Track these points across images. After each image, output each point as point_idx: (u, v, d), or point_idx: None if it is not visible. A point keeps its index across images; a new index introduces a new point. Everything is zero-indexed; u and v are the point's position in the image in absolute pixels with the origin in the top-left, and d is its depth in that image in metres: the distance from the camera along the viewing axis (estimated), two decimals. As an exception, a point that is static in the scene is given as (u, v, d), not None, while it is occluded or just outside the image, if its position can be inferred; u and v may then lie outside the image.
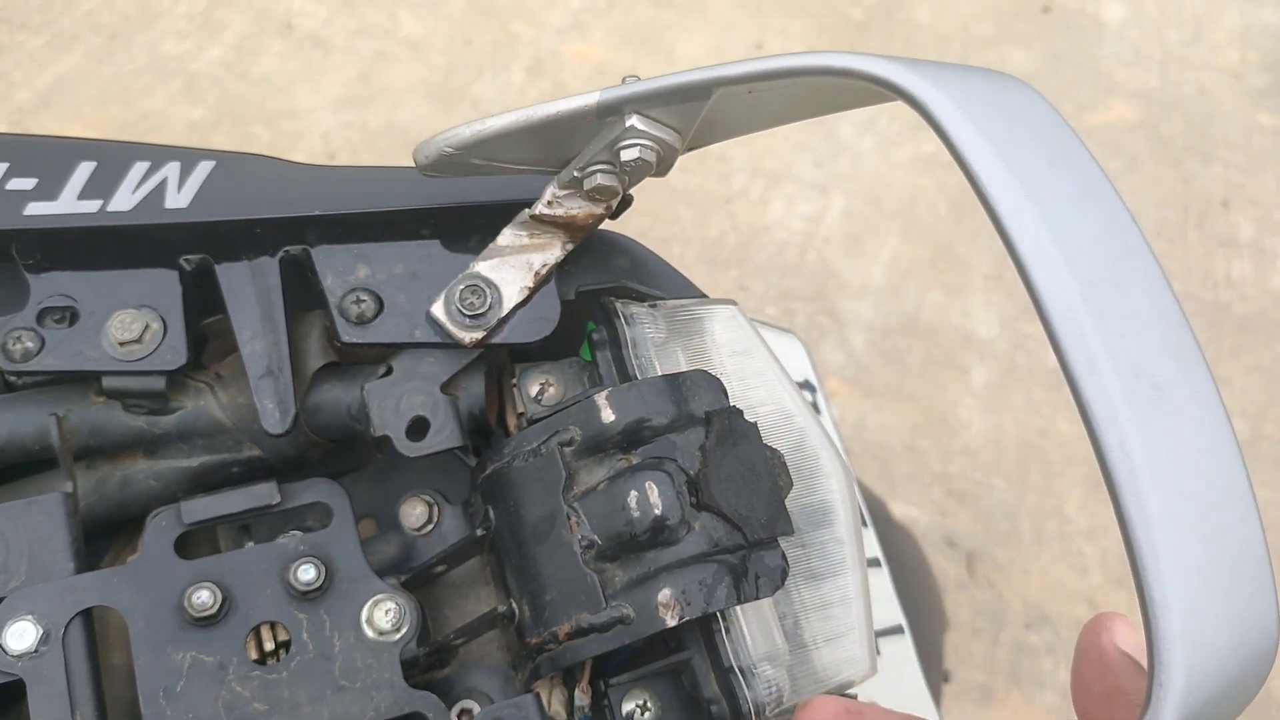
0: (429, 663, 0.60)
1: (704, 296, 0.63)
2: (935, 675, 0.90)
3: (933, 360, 2.44)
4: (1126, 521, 0.40)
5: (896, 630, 0.80)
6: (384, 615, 0.57)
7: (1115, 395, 0.41)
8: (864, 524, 0.87)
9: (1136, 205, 2.69)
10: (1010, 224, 0.43)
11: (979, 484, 2.32)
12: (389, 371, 0.59)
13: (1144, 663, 0.46)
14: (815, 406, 0.91)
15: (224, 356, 0.63)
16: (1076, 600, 2.20)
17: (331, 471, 0.63)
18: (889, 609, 0.81)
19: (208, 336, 0.63)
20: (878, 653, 0.59)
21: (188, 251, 0.59)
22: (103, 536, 0.64)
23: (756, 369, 0.60)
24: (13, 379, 0.59)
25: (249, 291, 0.59)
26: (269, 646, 0.57)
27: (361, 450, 0.66)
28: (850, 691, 0.56)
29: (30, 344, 0.57)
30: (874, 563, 0.84)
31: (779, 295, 2.47)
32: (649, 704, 0.55)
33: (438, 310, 0.58)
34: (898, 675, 0.78)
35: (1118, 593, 2.20)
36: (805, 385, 0.91)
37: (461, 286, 0.58)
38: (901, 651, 0.80)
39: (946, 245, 2.58)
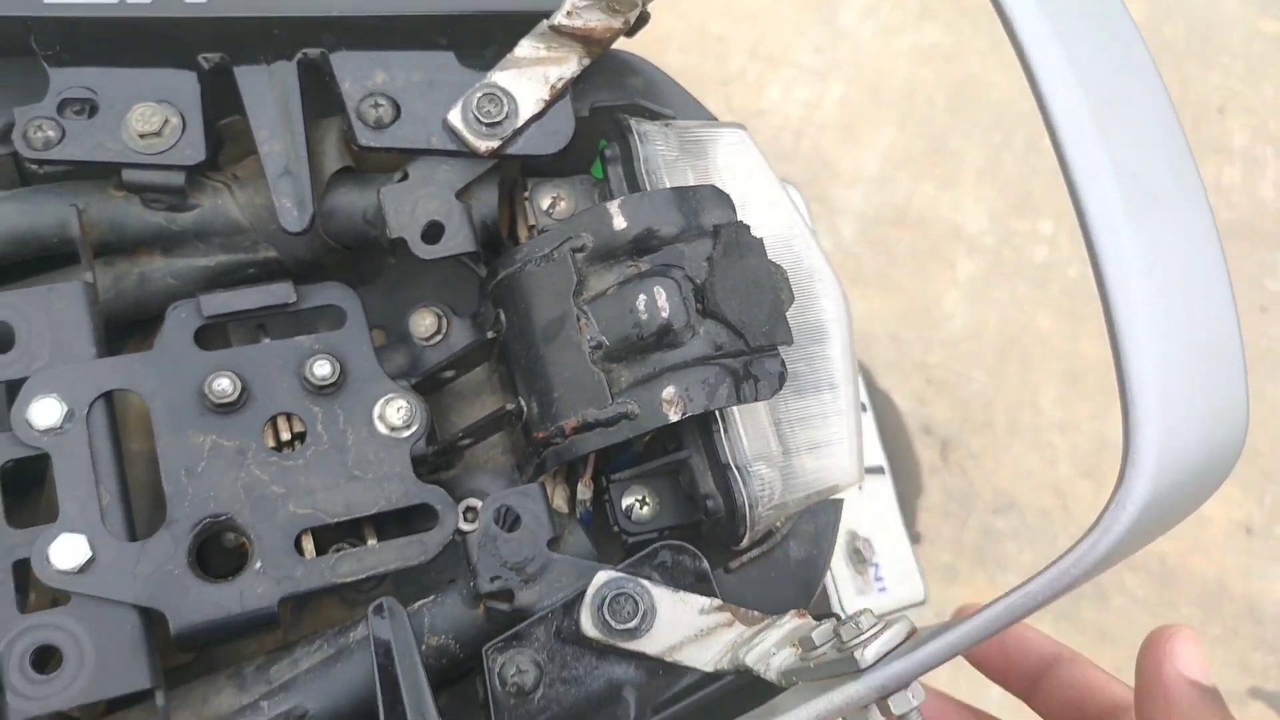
0: (436, 463, 0.63)
1: (714, 119, 0.64)
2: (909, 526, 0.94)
3: (920, 252, 2.45)
4: (1112, 313, 0.43)
5: (879, 470, 0.83)
6: (395, 412, 0.60)
7: (1113, 200, 0.43)
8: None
9: (1133, 105, 2.68)
10: (1024, 35, 0.45)
11: (958, 374, 2.36)
12: (405, 177, 0.60)
13: (1207, 681, 0.47)
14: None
15: (240, 159, 0.64)
16: (1045, 490, 2.26)
17: (344, 282, 0.64)
18: (873, 450, 0.84)
19: (224, 138, 0.63)
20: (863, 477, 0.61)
21: (206, 50, 0.60)
22: (119, 336, 0.66)
23: (762, 191, 0.61)
24: (33, 168, 0.59)
25: (267, 92, 0.60)
26: (285, 437, 0.59)
27: (373, 263, 0.67)
28: (836, 497, 0.59)
29: (51, 133, 0.58)
30: (861, 406, 0.87)
31: (771, 179, 2.47)
32: (647, 499, 0.58)
33: (454, 118, 0.59)
34: (880, 511, 0.82)
35: (1084, 484, 2.26)
36: (802, 235, 0.93)
37: (479, 95, 0.59)
38: (884, 490, 0.83)
39: (942, 138, 2.57)
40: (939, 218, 2.51)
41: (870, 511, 0.80)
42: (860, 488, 0.60)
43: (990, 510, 2.21)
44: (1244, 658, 2.12)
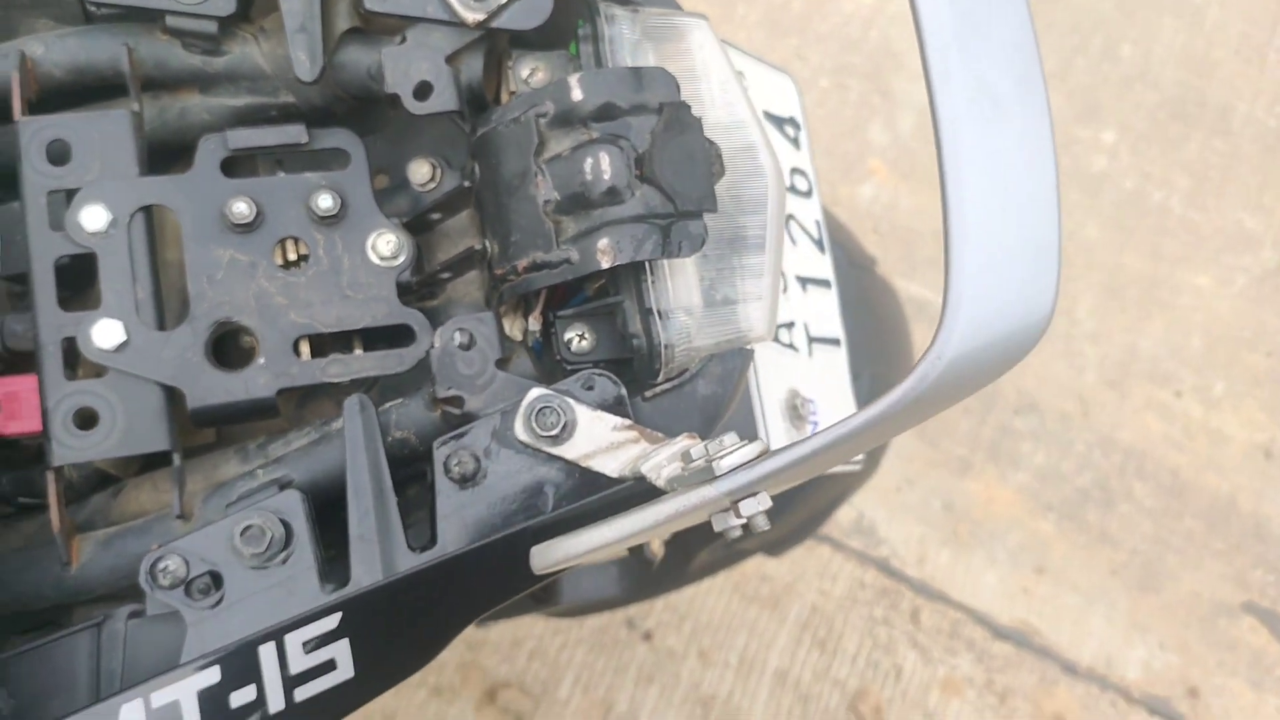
0: (421, 292, 0.74)
1: (678, 7, 0.72)
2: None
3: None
4: (946, 197, 0.51)
5: (834, 342, 0.92)
6: (385, 244, 0.70)
7: (959, 100, 0.51)
8: (822, 250, 0.98)
9: (1220, 17, 2.62)
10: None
11: (997, 276, 2.39)
12: (404, 40, 0.69)
13: None
14: (796, 143, 1.01)
15: (269, 13, 0.73)
16: (1068, 395, 2.31)
17: (355, 130, 0.74)
18: (832, 323, 0.93)
19: (257, -6, 0.73)
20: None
21: (243, -86, 0.69)
22: (162, 161, 0.77)
23: (717, 77, 0.69)
24: (91, 9, 0.70)
25: (290, -42, 0.69)
26: (291, 257, 0.70)
27: (380, 115, 0.77)
28: (748, 348, 0.68)
29: (106, -20, 0.68)
30: (825, 283, 0.96)
31: (835, 69, 2.49)
32: (586, 334, 0.68)
33: (449, -10, 0.68)
34: (832, 380, 0.91)
35: (1109, 393, 2.31)
36: (790, 121, 1.00)
37: (470, -29, 0.67)
38: (837, 360, 0.92)
39: (1010, 36, 2.54)
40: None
41: (820, 379, 0.89)
42: (771, 336, 0.69)
43: (1011, 410, 2.28)
44: (1243, 573, 2.19)
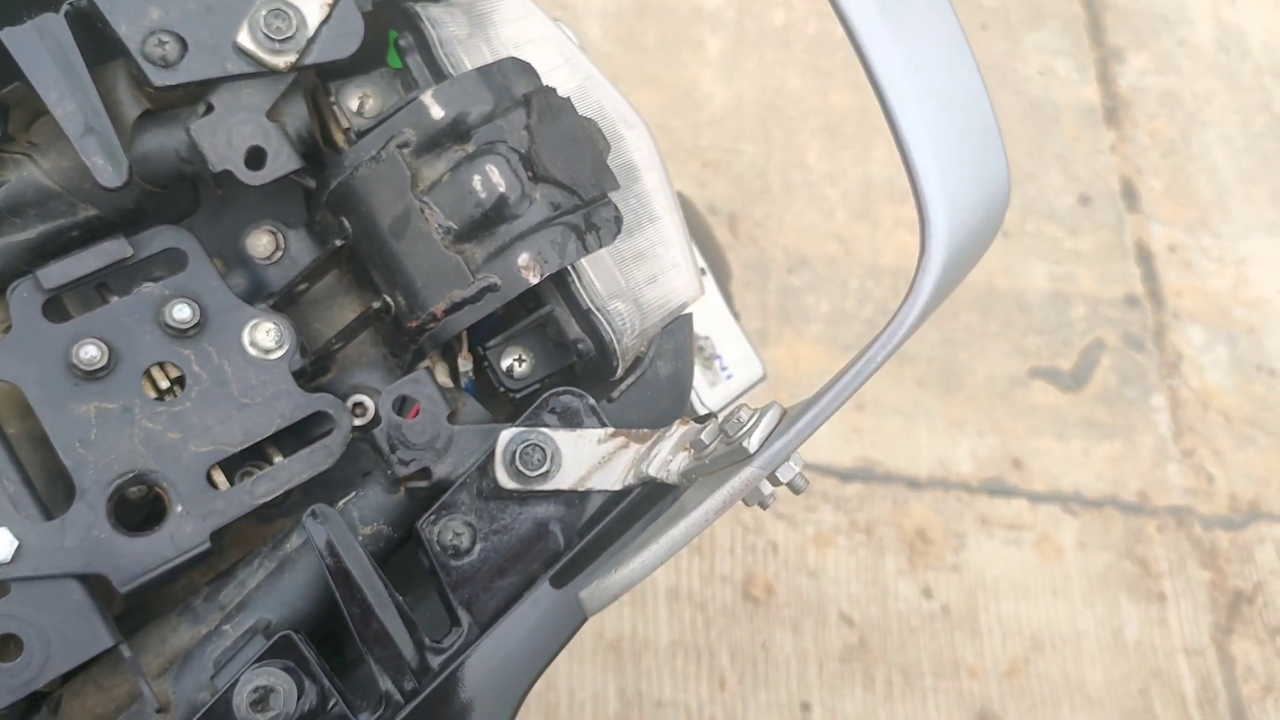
0: (313, 371, 0.66)
1: (490, -12, 0.66)
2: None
3: (669, 39, 2.50)
4: (891, 116, 0.50)
5: (701, 271, 0.91)
6: (265, 335, 0.62)
7: (870, 10, 0.49)
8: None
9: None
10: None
11: (729, 151, 2.46)
12: (210, 109, 0.60)
13: None
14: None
15: (29, 125, 0.62)
16: (828, 239, 2.43)
17: (166, 220, 0.65)
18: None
19: (7, 106, 0.61)
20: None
21: (-39, 21, 0.57)
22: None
23: (556, 49, 0.65)
24: None
25: (42, 52, 0.58)
26: (164, 385, 0.61)
27: (189, 195, 0.68)
28: (685, 313, 0.66)
29: None
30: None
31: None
32: (523, 356, 0.64)
33: (244, 40, 0.59)
34: (710, 307, 0.90)
35: (860, 226, 2.44)
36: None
37: (264, 12, 0.59)
38: (709, 286, 0.91)
39: (662, -82, 2.57)
40: (679, 1, 2.55)
41: (701, 311, 0.88)
42: (702, 292, 0.67)
43: (785, 271, 2.37)
44: (1019, 344, 2.40)
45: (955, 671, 2.10)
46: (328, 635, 0.60)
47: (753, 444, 0.52)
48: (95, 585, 0.58)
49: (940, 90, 0.51)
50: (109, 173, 0.59)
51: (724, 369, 0.92)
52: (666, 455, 0.58)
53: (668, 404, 0.64)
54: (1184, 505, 2.32)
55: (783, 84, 2.51)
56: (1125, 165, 2.67)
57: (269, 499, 0.61)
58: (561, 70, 0.65)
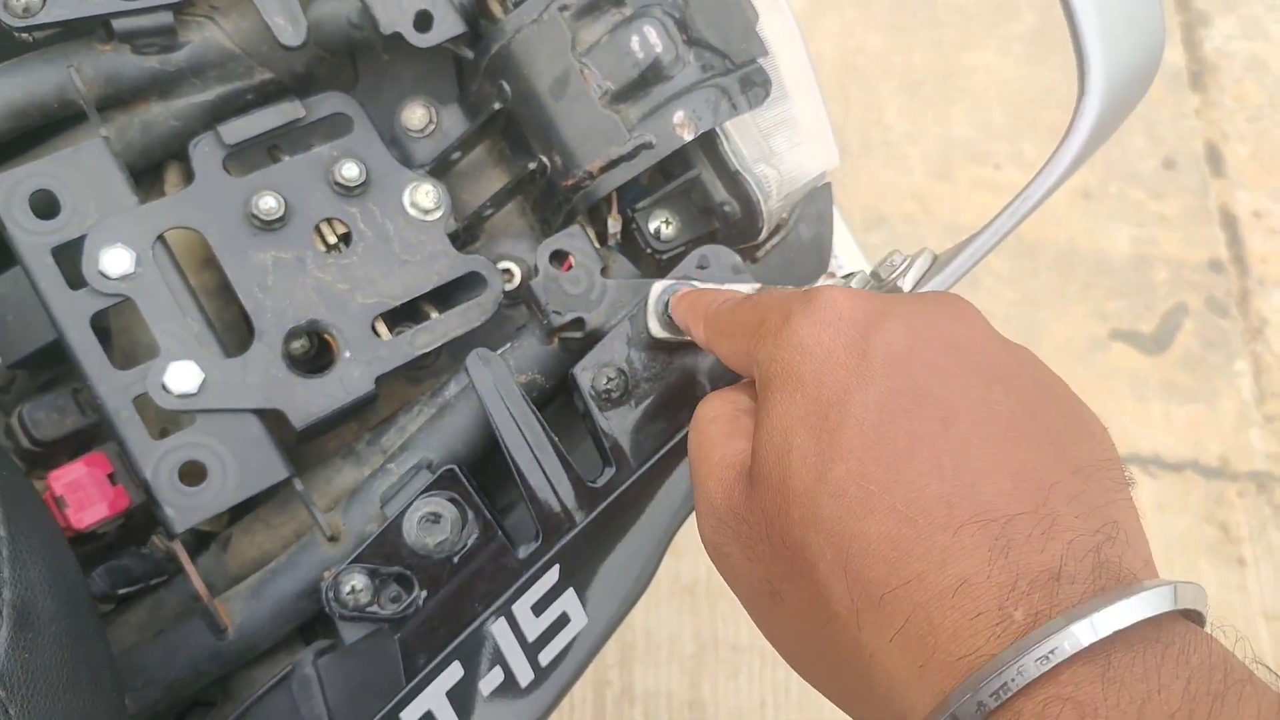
0: (464, 238, 0.69)
1: None
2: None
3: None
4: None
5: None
6: (424, 196, 0.66)
7: None
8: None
9: None
10: None
11: (808, 108, 2.46)
12: (381, -24, 0.63)
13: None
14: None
15: (210, -9, 0.66)
16: (905, 198, 2.42)
17: (330, 90, 0.68)
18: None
19: (190, -28, 0.65)
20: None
21: (157, -114, 0.61)
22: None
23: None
24: (24, 37, 0.60)
25: (230, -82, 0.62)
26: (332, 240, 0.65)
27: (349, 70, 0.71)
28: (826, 182, 0.68)
29: (32, -1, 0.59)
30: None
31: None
32: (670, 219, 0.66)
33: (415, -92, 0.62)
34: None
35: (939, 185, 2.43)
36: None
37: (435, -120, 0.62)
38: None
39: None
40: (758, -40, 2.55)
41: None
42: (839, 160, 0.69)
43: (862, 229, 2.37)
44: (1100, 307, 2.38)
45: (1031, 627, 2.09)
46: (479, 484, 0.63)
47: (907, 284, 0.54)
48: (273, 422, 0.62)
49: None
50: (289, 31, 0.62)
51: (835, 256, 0.94)
52: (814, 306, 0.60)
53: (810, 265, 0.66)
54: (1266, 471, 2.29)
55: (863, 43, 2.51)
56: (1210, 130, 2.63)
57: (428, 349, 0.64)
58: (709, -53, 0.67)
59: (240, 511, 0.66)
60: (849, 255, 0.95)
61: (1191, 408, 2.31)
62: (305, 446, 0.69)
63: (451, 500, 0.59)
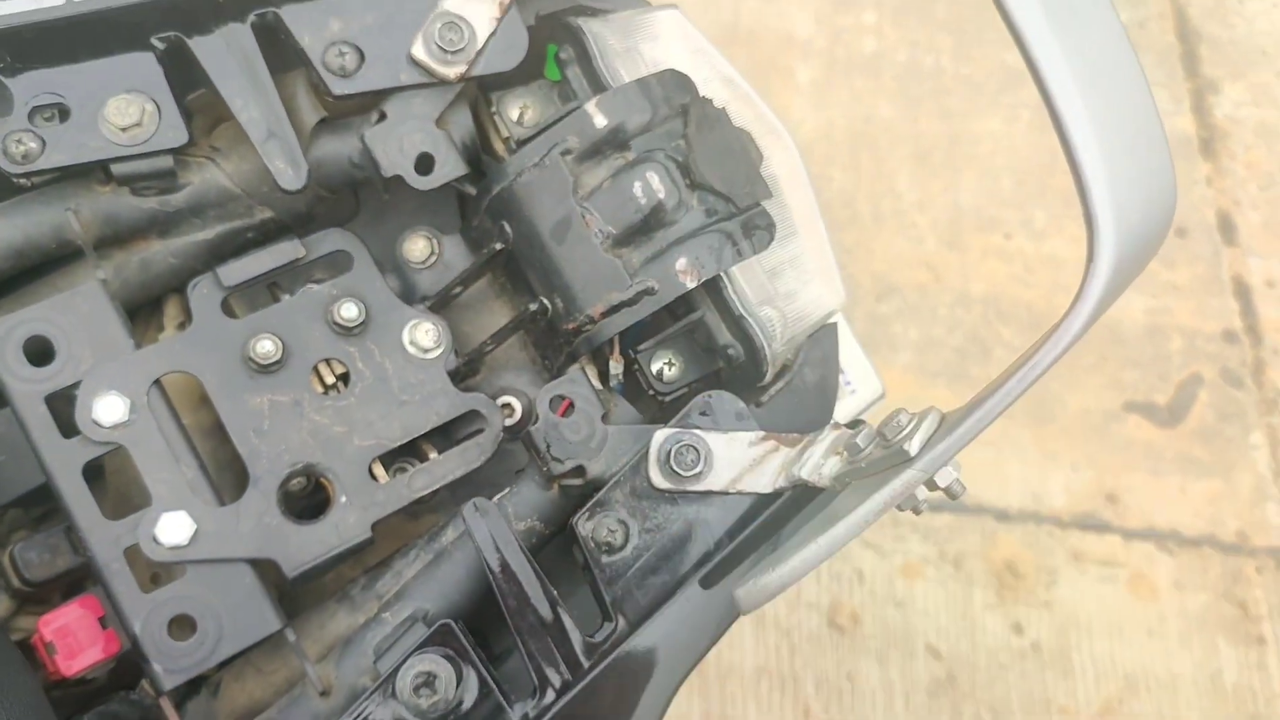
0: (464, 373, 0.68)
1: (647, 4, 0.68)
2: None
3: (758, 65, 2.52)
4: (1061, 123, 0.51)
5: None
6: (424, 335, 0.65)
7: (1039, 13, 0.50)
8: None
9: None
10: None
11: (818, 177, 2.45)
12: (383, 117, 0.63)
13: None
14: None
15: (210, 130, 0.65)
16: (917, 267, 2.41)
17: (331, 224, 0.68)
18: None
19: (192, 113, 0.65)
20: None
21: (157, 31, 0.61)
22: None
23: (709, 64, 0.67)
24: (22, 182, 0.60)
25: (228, 61, 0.61)
26: (330, 381, 0.64)
27: (350, 201, 0.71)
28: (830, 322, 0.67)
29: (31, 144, 0.59)
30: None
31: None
32: (673, 360, 0.65)
33: (418, 51, 0.62)
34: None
35: (950, 254, 2.42)
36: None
37: (438, 25, 0.62)
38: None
39: (757, -51, 2.60)
40: (768, 28, 2.57)
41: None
42: (845, 299, 0.68)
43: (873, 298, 2.36)
44: (1115, 377, 2.36)
45: (1046, 710, 2.06)
46: (475, 630, 0.61)
47: (914, 447, 0.53)
48: (266, 571, 0.60)
49: (1108, 93, 0.51)
50: (289, 175, 0.62)
51: (848, 383, 0.93)
52: (819, 459, 0.58)
53: (815, 410, 0.65)
54: (1285, 546, 2.26)
55: (873, 111, 2.51)
56: (1222, 198, 2.62)
57: (425, 493, 0.63)
58: (715, 83, 0.67)
59: (233, 655, 0.64)
60: (859, 373, 0.94)
61: (1208, 482, 2.28)
62: (302, 587, 0.67)
63: (447, 657, 0.58)
